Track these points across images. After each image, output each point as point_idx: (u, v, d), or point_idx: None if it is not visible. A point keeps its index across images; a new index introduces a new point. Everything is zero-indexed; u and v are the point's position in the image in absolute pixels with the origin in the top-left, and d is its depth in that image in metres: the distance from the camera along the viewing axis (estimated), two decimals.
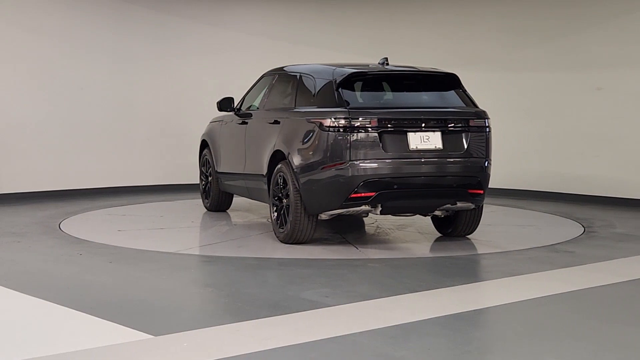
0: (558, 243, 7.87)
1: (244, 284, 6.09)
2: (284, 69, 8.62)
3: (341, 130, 7.02)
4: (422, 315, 5.06)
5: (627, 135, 10.95)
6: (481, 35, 12.40)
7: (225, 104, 9.12)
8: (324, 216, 7.39)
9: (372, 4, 13.26)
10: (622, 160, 11.00)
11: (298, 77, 8.04)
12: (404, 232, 8.51)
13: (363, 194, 7.03)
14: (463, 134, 7.39)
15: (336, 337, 4.53)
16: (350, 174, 7.00)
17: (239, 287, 5.97)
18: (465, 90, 7.80)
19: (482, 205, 7.83)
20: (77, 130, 11.77)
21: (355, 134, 7.02)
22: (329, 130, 7.07)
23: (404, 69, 7.97)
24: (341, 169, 7.02)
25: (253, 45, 13.10)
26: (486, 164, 7.53)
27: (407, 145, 7.15)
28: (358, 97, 7.54)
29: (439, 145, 7.24)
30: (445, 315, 5.07)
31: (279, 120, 7.93)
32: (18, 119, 11.14)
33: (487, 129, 7.58)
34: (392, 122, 7.17)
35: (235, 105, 9.18)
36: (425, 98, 7.80)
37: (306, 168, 7.26)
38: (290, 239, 7.51)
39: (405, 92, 7.89)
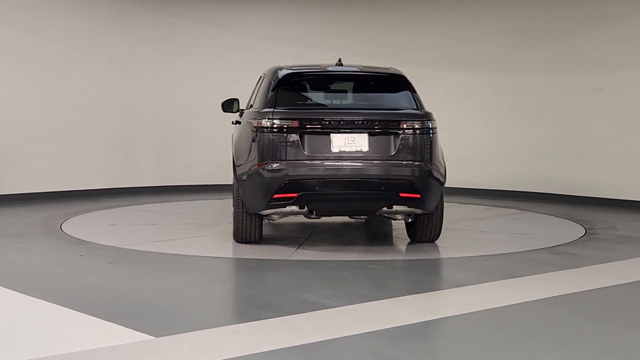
0: (559, 245, 7.86)
1: (245, 285, 6.09)
2: (266, 69, 8.67)
3: (266, 131, 7.07)
4: (423, 316, 5.05)
5: (629, 137, 10.95)
6: (482, 37, 12.39)
7: (228, 105, 9.14)
8: (275, 217, 7.44)
9: (373, 5, 13.26)
10: (623, 162, 11.00)
11: (262, 77, 8.14)
12: (402, 236, 8.51)
13: (285, 195, 7.03)
14: (392, 137, 7.14)
15: (337, 338, 4.52)
16: (272, 175, 7.04)
17: (240, 289, 5.97)
18: (414, 91, 7.58)
19: (441, 212, 7.58)
20: (78, 131, 11.77)
21: (278, 135, 7.05)
22: (257, 131, 7.14)
23: (345, 70, 7.88)
24: (265, 169, 7.06)
25: (254, 46, 13.11)
26: (427, 168, 7.17)
27: (330, 146, 7.09)
28: (294, 97, 7.57)
29: (365, 147, 7.08)
30: (446, 317, 5.07)
31: (240, 121, 8.11)
32: (19, 120, 11.14)
33: (427, 131, 7.20)
34: (314, 123, 7.12)
35: (241, 106, 9.22)
36: (366, 99, 7.77)
37: (242, 168, 7.39)
38: (238, 238, 7.62)
39: (345, 93, 7.85)
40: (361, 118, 7.17)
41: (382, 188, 7.09)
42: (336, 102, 7.84)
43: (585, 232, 8.71)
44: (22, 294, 5.57)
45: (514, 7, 12.09)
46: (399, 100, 7.57)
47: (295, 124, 7.05)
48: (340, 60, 7.95)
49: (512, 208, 10.80)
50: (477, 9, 12.47)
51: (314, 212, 7.24)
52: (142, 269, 6.70)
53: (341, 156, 7.07)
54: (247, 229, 7.52)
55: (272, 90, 7.43)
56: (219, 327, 4.75)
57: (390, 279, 6.29)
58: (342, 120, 7.14)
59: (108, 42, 12.13)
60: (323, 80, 7.96)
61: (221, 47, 13.09)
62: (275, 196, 7.04)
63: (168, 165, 12.77)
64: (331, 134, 7.09)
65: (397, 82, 7.64)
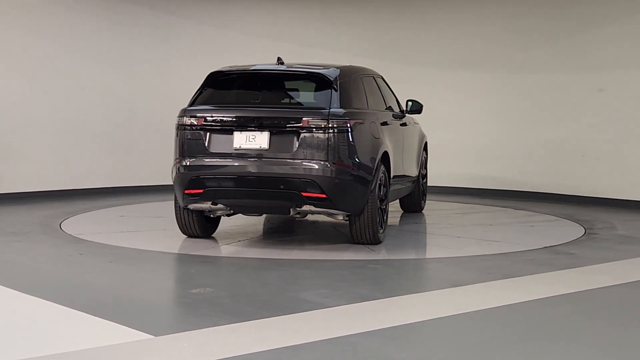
0: (559, 245, 7.86)
1: (244, 285, 6.09)
2: None
3: (181, 129, 7.42)
4: (422, 316, 5.05)
5: (629, 136, 10.94)
6: (484, 37, 12.39)
7: None
8: (218, 213, 7.56)
9: (375, 4, 13.26)
10: (623, 162, 11.00)
11: None
12: (401, 236, 8.51)
13: (193, 191, 7.28)
14: (294, 135, 7.06)
15: (336, 338, 4.53)
16: (182, 171, 7.33)
17: (239, 288, 5.97)
18: (336, 90, 7.39)
19: (372, 214, 7.36)
20: (78, 130, 11.77)
21: (189, 133, 7.34)
22: (177, 129, 7.47)
23: (268, 69, 7.82)
24: (180, 165, 7.37)
25: (256, 46, 13.10)
26: (333, 167, 7.01)
27: (232, 144, 7.19)
28: (214, 96, 7.65)
29: (265, 145, 7.10)
30: (446, 316, 5.07)
31: None
32: (18, 118, 11.13)
33: (338, 131, 7.04)
34: (218, 121, 7.26)
35: None
36: (281, 97, 7.74)
37: (173, 165, 7.61)
38: (182, 232, 7.88)
39: (264, 92, 7.81)
40: (262, 116, 7.21)
41: (282, 187, 7.08)
42: (252, 100, 7.78)
43: (585, 232, 8.71)
44: (22, 293, 5.57)
45: (516, 7, 12.08)
46: (316, 99, 7.51)
47: (202, 121, 7.29)
48: (279, 59, 7.91)
49: (512, 208, 10.80)
50: (479, 9, 12.47)
51: (233, 209, 7.39)
52: (142, 267, 6.71)
53: (241, 154, 7.16)
54: (186, 223, 7.77)
55: (198, 90, 7.70)
56: (218, 327, 4.75)
57: (389, 279, 6.29)
58: (244, 118, 7.22)
59: (107, 41, 12.12)
60: (245, 79, 7.97)
61: (222, 46, 13.08)
62: (185, 192, 7.33)
63: (168, 164, 12.75)
64: (234, 132, 7.20)
65: (319, 82, 7.53)
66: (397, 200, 10.06)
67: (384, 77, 9.21)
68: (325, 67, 7.80)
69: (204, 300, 5.50)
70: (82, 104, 11.82)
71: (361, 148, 7.28)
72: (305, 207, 7.14)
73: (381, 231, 7.67)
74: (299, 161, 7.03)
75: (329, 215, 7.37)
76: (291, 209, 7.17)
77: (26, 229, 8.50)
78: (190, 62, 12.92)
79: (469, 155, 12.53)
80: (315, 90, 7.57)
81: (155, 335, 4.53)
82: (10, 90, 11.08)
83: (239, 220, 8.96)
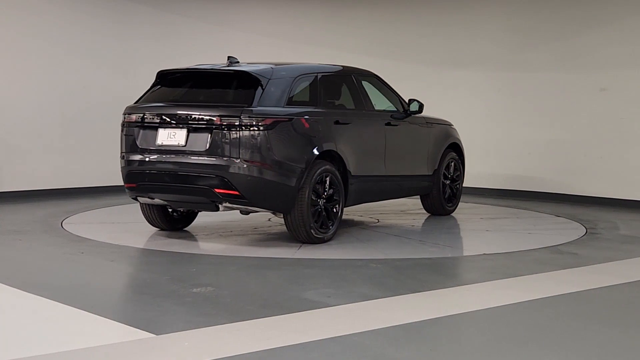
0: (561, 244, 7.85)
1: (246, 284, 6.08)
2: None
3: (123, 125, 7.72)
4: (424, 315, 5.04)
5: (631, 136, 10.93)
6: (485, 36, 12.38)
7: None
8: (182, 207, 7.78)
9: (378, 4, 13.25)
10: (626, 161, 10.98)
11: None
12: (403, 235, 8.49)
13: (129, 185, 7.66)
14: (207, 133, 7.16)
15: (338, 337, 4.52)
16: (122, 165, 7.74)
17: (241, 287, 5.96)
18: (263, 88, 7.34)
19: (303, 212, 7.33)
20: (79, 128, 11.76)
21: (127, 129, 7.65)
22: (121, 126, 7.76)
23: (205, 68, 7.87)
24: (121, 160, 7.74)
25: (259, 45, 13.08)
26: (244, 165, 7.03)
27: (155, 141, 7.43)
28: (157, 95, 7.81)
29: (182, 142, 7.27)
30: (447, 316, 5.06)
31: None
32: (19, 117, 11.13)
33: (255, 129, 7.05)
34: (146, 118, 7.51)
35: None
36: (210, 95, 7.74)
37: None
38: (149, 223, 8.21)
39: (199, 90, 7.85)
40: (180, 113, 7.38)
41: (197, 183, 7.25)
42: (183, 99, 7.76)
43: (587, 231, 8.69)
44: (23, 291, 5.57)
45: (518, 6, 12.07)
46: (241, 97, 7.42)
47: (134, 118, 7.60)
48: (229, 58, 7.92)
49: (514, 207, 10.79)
50: (480, 8, 12.45)
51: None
52: (143, 266, 6.70)
53: (161, 150, 7.41)
54: (149, 215, 8.11)
55: (148, 89, 7.96)
56: (219, 325, 4.75)
57: (391, 278, 6.27)
58: (165, 116, 7.44)
59: (108, 40, 12.10)
60: (187, 78, 8.01)
61: (223, 45, 13.04)
62: (125, 185, 7.71)
63: None
64: (159, 129, 7.43)
65: (249, 80, 7.47)
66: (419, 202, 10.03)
67: (380, 76, 9.15)
68: (280, 65, 7.86)
69: (205, 299, 5.49)
70: (83, 102, 11.81)
71: (283, 146, 7.27)
72: (228, 204, 7.25)
73: (324, 230, 7.59)
74: (212, 158, 7.15)
75: (271, 213, 7.53)
76: (220, 206, 7.29)
77: (27, 227, 8.50)
78: (191, 61, 12.87)
79: (470, 155, 12.50)
80: (243, 89, 7.52)
81: (156, 334, 4.52)
82: (10, 89, 11.07)
83: (239, 219, 8.95)
